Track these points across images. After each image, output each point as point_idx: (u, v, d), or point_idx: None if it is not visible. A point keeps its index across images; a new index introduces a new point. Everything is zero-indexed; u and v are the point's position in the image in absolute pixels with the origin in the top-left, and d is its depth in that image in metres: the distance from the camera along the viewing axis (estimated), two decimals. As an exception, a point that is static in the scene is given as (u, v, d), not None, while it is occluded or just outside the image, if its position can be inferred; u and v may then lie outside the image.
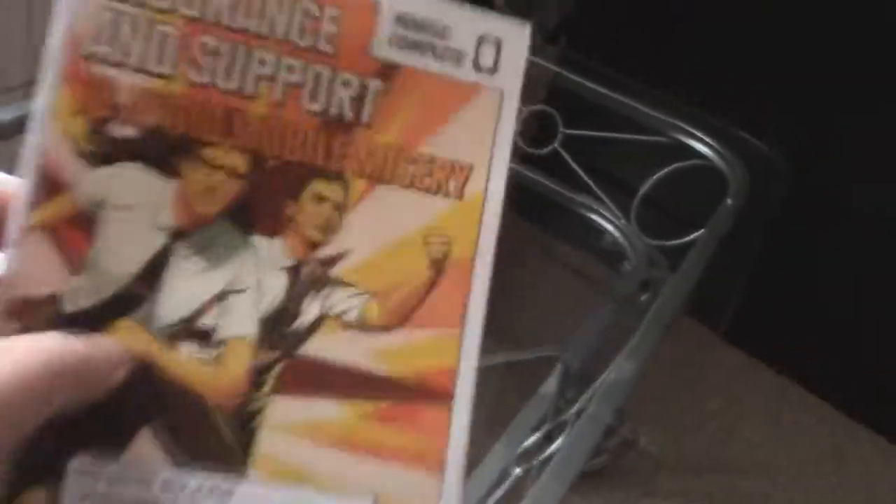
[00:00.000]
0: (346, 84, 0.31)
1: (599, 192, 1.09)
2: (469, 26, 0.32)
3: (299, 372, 0.30)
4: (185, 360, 0.29)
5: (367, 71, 0.32)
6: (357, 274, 0.31)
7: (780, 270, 1.55)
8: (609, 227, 1.09)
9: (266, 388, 0.30)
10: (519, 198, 1.35)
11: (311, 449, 0.30)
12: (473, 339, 0.31)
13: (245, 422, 0.30)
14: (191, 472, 0.29)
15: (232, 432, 0.30)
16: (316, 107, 0.31)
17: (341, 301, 0.31)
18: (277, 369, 0.30)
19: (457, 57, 0.32)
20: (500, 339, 1.23)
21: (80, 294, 0.29)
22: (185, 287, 0.30)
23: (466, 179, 0.32)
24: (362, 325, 0.31)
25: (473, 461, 0.73)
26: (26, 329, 0.28)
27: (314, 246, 0.31)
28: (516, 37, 0.33)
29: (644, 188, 1.06)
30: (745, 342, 1.71)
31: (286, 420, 0.30)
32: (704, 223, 0.99)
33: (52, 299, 0.28)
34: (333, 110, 0.31)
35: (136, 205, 0.30)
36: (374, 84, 0.32)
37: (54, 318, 0.28)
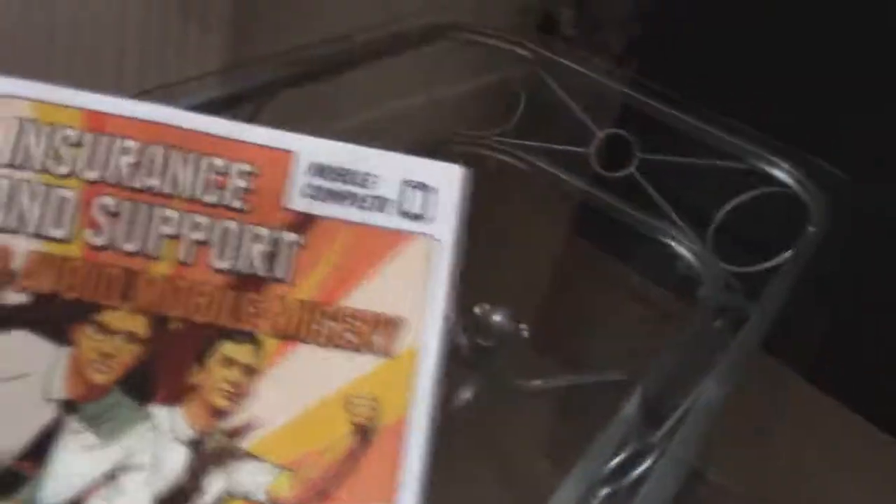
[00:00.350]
0: (257, 238, 0.31)
1: (675, 218, 1.08)
2: (392, 173, 0.31)
3: None
4: None
5: (280, 224, 0.31)
6: (268, 445, 0.29)
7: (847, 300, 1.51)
8: (684, 252, 1.08)
9: None
10: (589, 222, 1.35)
11: None
12: None
13: None
14: None
15: None
16: (225, 264, 0.30)
17: (248, 477, 0.29)
18: None
19: (380, 205, 0.31)
20: (568, 363, 1.22)
21: None
22: (74, 465, 0.28)
23: (396, 333, 0.30)
24: None
25: (549, 483, 0.72)
26: None
27: (220, 415, 0.29)
28: (447, 180, 0.32)
29: (721, 213, 1.05)
30: (819, 377, 1.67)
31: None
32: (779, 252, 0.98)
33: None
34: (244, 267, 0.30)
35: (23, 375, 0.29)
36: (289, 237, 0.31)
37: None
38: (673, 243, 1.10)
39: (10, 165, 0.30)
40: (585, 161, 1.13)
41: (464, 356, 0.98)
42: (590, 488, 0.71)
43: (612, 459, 0.74)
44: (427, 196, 0.31)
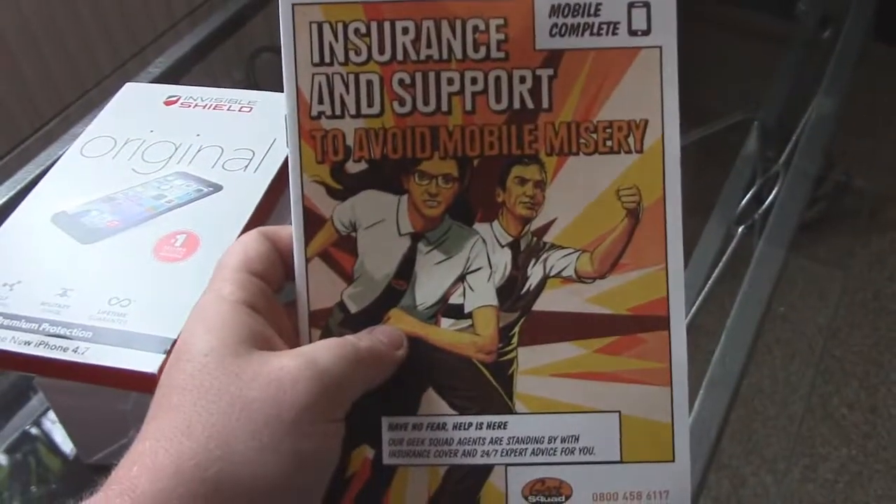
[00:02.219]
0: (521, 80, 0.36)
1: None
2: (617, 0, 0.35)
3: (536, 325, 0.36)
4: (447, 332, 0.36)
5: (536, 64, 0.36)
6: (566, 236, 0.36)
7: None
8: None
9: (514, 343, 0.36)
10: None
11: (559, 383, 0.36)
12: (677, 270, 0.35)
13: (503, 371, 0.36)
14: (471, 414, 0.36)
15: (495, 380, 0.36)
16: (501, 106, 0.36)
17: (558, 262, 0.36)
18: (519, 326, 0.36)
19: (612, 28, 0.35)
20: (691, 116, 1.22)
21: (357, 298, 0.36)
22: (433, 276, 0.36)
23: (644, 134, 0.35)
24: (580, 278, 0.36)
25: (694, 234, 0.76)
26: (325, 333, 0.35)
27: (526, 221, 0.36)
28: None
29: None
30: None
31: (534, 364, 0.36)
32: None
33: (339, 306, 0.36)
34: (516, 104, 0.36)
35: (380, 221, 0.36)
36: (545, 73, 0.36)
37: (343, 320, 0.36)
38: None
39: (321, 63, 0.36)
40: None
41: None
42: (729, 227, 0.74)
43: (744, 196, 0.76)
44: (649, 12, 0.35)
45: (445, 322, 0.36)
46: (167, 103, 0.58)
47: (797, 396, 1.27)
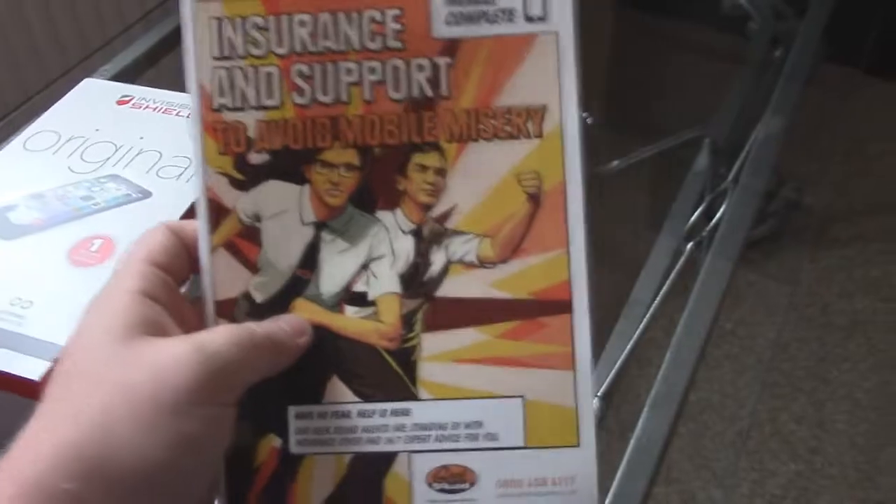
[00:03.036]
0: (420, 69, 0.36)
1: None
2: None
3: (439, 311, 0.36)
4: (351, 320, 0.36)
5: (433, 52, 0.36)
6: (468, 222, 0.36)
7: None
8: (726, -9, 1.06)
9: (416, 329, 0.36)
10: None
11: (462, 369, 0.36)
12: (579, 253, 0.36)
13: (406, 357, 0.36)
14: (376, 401, 0.36)
15: (398, 366, 0.36)
16: (400, 94, 0.36)
17: (460, 247, 0.36)
18: (422, 312, 0.36)
19: (508, 15, 0.36)
20: (645, 133, 1.23)
21: (262, 288, 0.36)
22: (337, 265, 0.36)
23: (542, 119, 0.36)
24: (482, 263, 0.36)
25: (645, 249, 0.76)
26: (232, 322, 0.35)
27: (427, 208, 0.36)
28: None
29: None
30: (881, 69, 1.62)
31: (437, 350, 0.36)
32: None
33: (244, 296, 0.36)
34: (415, 93, 0.36)
35: (283, 211, 0.36)
36: (443, 61, 0.36)
37: (249, 309, 0.36)
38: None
39: (221, 58, 0.37)
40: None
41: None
42: (678, 242, 0.75)
43: (694, 212, 0.77)
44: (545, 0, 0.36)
45: (349, 310, 0.36)
46: (119, 103, 0.58)
47: (746, 411, 1.29)
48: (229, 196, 0.36)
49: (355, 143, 0.36)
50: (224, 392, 0.32)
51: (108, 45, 0.91)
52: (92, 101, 0.57)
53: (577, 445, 0.35)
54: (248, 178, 0.36)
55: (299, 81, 0.37)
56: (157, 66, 0.76)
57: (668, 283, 0.72)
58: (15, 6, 0.86)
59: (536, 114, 0.36)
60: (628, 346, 0.63)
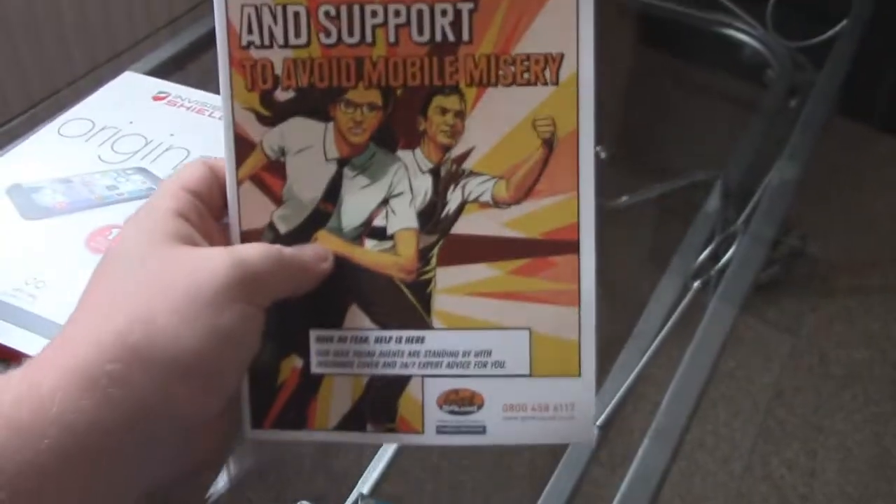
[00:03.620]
0: (443, 13, 0.38)
1: (731, 6, 1.07)
2: None
3: (454, 247, 0.38)
4: (370, 252, 0.38)
5: None
6: (484, 164, 0.38)
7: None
8: (746, 38, 1.08)
9: (432, 263, 0.38)
10: (651, 29, 1.33)
11: (474, 302, 0.38)
12: (589, 197, 0.37)
13: (422, 289, 0.38)
14: (392, 329, 0.38)
15: (414, 298, 0.38)
16: (423, 38, 0.37)
17: (476, 187, 0.38)
18: (438, 248, 0.38)
19: None
20: (655, 172, 1.25)
21: (286, 219, 0.38)
22: (358, 200, 0.38)
23: (559, 66, 0.37)
24: (496, 203, 0.37)
25: (650, 285, 0.77)
26: None
27: (446, 149, 0.38)
28: None
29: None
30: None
31: (451, 283, 0.38)
32: (840, 19, 0.96)
33: (269, 226, 0.38)
34: (438, 37, 0.37)
35: (307, 147, 0.38)
36: (466, 6, 0.37)
37: (273, 239, 0.37)
38: (734, 32, 1.10)
39: None
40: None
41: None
42: (684, 281, 0.76)
43: (702, 252, 0.78)
44: None
45: (369, 243, 0.38)
46: (156, 98, 0.59)
47: (738, 454, 1.29)
48: (256, 131, 0.38)
49: (379, 84, 0.38)
50: (255, 294, 0.34)
51: (142, 42, 0.92)
52: (129, 93, 0.59)
53: (579, 376, 0.37)
54: (274, 113, 0.38)
55: (326, 22, 0.38)
56: (185, 68, 0.77)
57: (671, 320, 0.73)
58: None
59: (554, 61, 0.37)
60: (629, 379, 0.63)
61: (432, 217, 0.38)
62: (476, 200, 0.37)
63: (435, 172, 0.38)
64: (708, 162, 1.11)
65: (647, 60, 1.38)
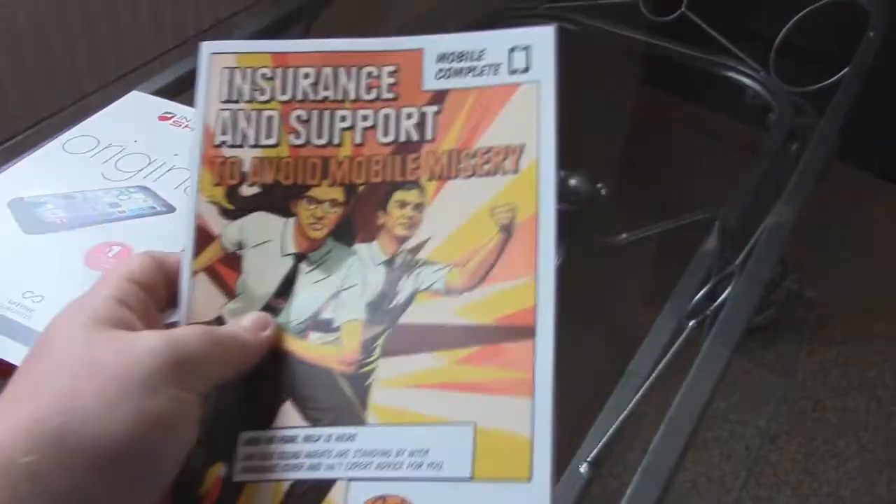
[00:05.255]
0: (408, 116, 0.39)
1: (734, 49, 1.08)
2: (499, 44, 0.38)
3: (400, 337, 0.36)
4: (313, 346, 0.37)
5: (422, 102, 0.39)
6: (439, 253, 0.37)
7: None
8: (749, 82, 1.08)
9: (376, 354, 0.36)
10: (654, 70, 1.34)
11: (416, 393, 0.35)
12: (548, 282, 0.35)
13: (361, 381, 0.36)
14: (323, 426, 0.35)
15: (351, 391, 0.36)
16: (389, 139, 0.39)
17: (429, 276, 0.37)
18: (383, 338, 0.36)
19: (494, 69, 0.38)
20: (654, 210, 1.25)
21: (236, 313, 0.37)
22: (310, 294, 0.38)
23: (520, 156, 0.37)
24: (448, 291, 0.36)
25: (646, 324, 0.77)
26: None
27: (403, 240, 0.38)
28: (543, 39, 0.38)
29: (781, 35, 1.04)
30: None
31: (392, 375, 0.35)
32: (842, 66, 0.97)
33: (218, 321, 0.37)
34: (402, 138, 0.39)
35: (266, 241, 0.38)
36: (430, 109, 0.39)
37: None
38: (737, 75, 1.10)
39: (228, 101, 0.39)
40: (636, 11, 1.13)
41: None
42: (680, 320, 0.75)
43: (698, 292, 0.78)
44: (529, 53, 0.38)
45: (314, 335, 0.37)
46: (161, 118, 0.60)
47: (730, 497, 1.28)
48: (217, 223, 0.38)
49: (342, 182, 0.38)
50: (190, 378, 0.32)
51: (149, 62, 0.93)
52: (135, 112, 0.60)
53: (529, 480, 0.32)
54: (237, 208, 0.38)
55: (297, 125, 0.39)
56: (190, 90, 0.77)
57: (666, 359, 0.73)
58: (60, 17, 0.88)
59: (514, 152, 0.37)
60: (621, 417, 0.63)
61: (381, 307, 0.36)
62: (428, 289, 0.36)
63: (389, 264, 0.37)
64: (707, 202, 1.11)
65: (651, 100, 1.40)
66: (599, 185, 1.03)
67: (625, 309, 1.09)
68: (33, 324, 0.44)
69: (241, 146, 0.39)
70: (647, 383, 0.69)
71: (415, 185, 0.38)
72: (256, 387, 0.36)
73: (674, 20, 1.09)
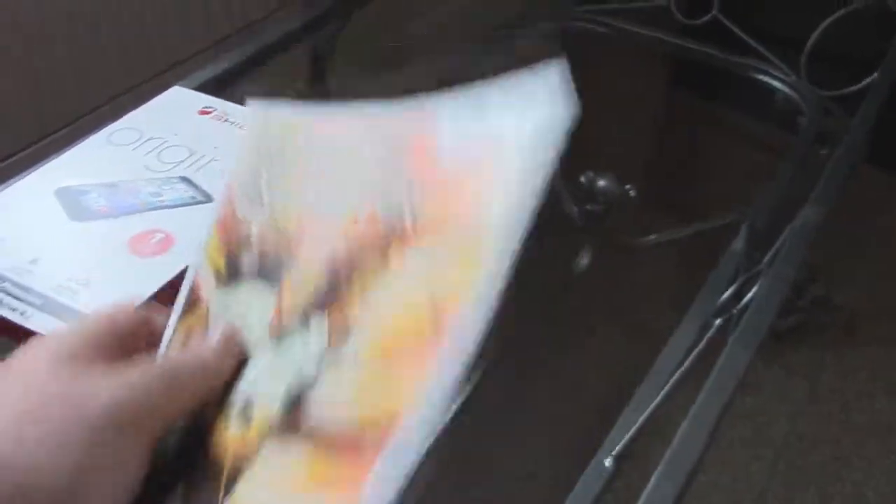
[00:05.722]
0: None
1: (766, 52, 1.08)
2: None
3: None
4: (231, 436, 0.35)
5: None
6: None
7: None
8: (780, 85, 1.08)
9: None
10: (684, 72, 1.34)
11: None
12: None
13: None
14: None
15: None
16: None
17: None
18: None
19: None
20: (682, 212, 1.25)
21: None
22: (257, 378, 0.36)
23: None
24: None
25: (672, 324, 0.78)
26: None
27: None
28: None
29: (812, 39, 1.04)
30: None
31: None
32: (874, 69, 0.97)
33: None
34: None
35: (245, 320, 0.37)
36: None
37: None
38: (767, 78, 1.11)
39: (255, 164, 0.40)
40: (668, 14, 1.13)
41: (577, 224, 1.03)
42: (706, 318, 0.76)
43: (724, 292, 0.78)
44: None
45: (234, 425, 0.35)
46: (202, 112, 0.62)
47: (753, 496, 1.28)
48: (208, 290, 0.39)
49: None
50: (142, 419, 0.32)
51: (191, 58, 0.95)
52: (177, 107, 0.62)
53: None
54: (230, 276, 0.39)
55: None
56: (231, 85, 0.79)
57: (691, 357, 0.74)
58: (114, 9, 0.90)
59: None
60: (646, 412, 0.64)
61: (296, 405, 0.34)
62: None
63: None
64: (735, 205, 1.11)
65: (680, 102, 1.40)
66: (628, 187, 1.03)
67: (651, 309, 1.09)
68: (77, 304, 0.46)
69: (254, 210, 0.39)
70: (672, 380, 0.70)
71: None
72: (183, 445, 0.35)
73: (705, 23, 1.09)
